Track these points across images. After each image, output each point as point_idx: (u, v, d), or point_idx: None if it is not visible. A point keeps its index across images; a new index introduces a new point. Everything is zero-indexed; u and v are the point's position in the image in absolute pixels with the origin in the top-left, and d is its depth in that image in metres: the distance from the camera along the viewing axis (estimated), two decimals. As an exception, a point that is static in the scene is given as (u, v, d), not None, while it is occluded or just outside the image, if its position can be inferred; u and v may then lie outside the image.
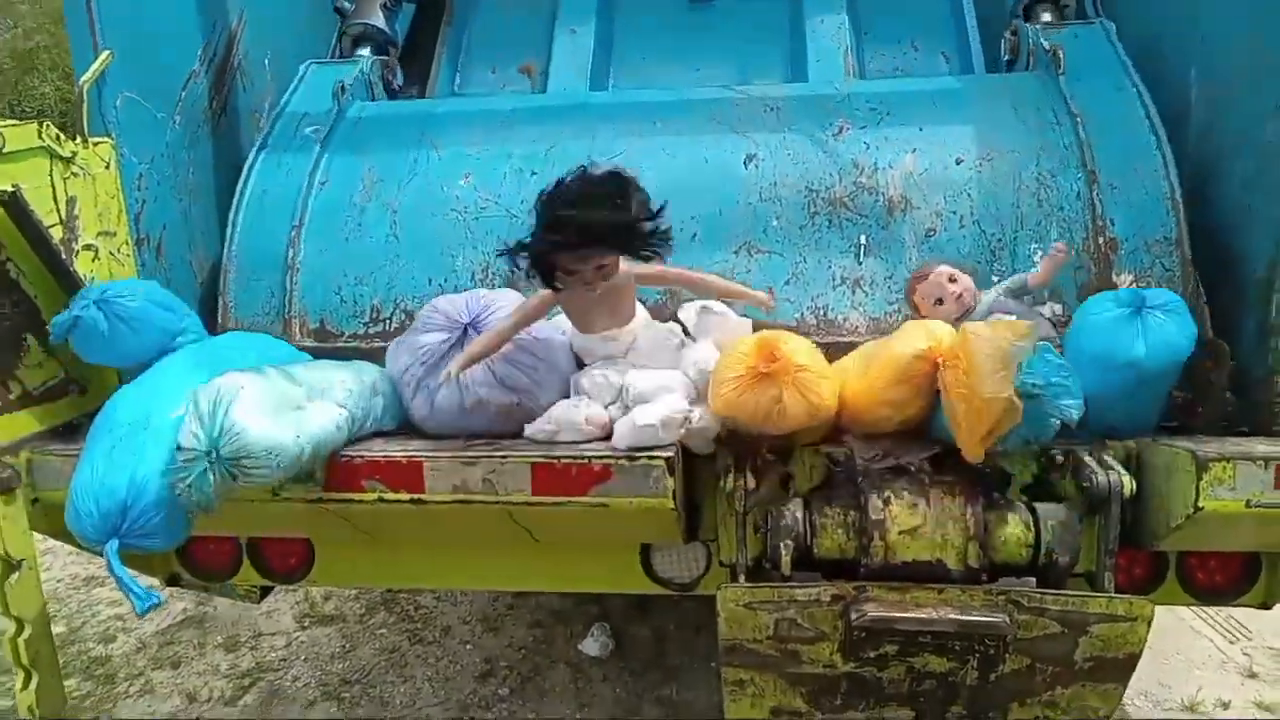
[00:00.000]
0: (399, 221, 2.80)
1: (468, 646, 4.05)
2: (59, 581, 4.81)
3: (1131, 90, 2.72)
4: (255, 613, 4.35)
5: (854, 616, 1.90)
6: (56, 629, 4.34)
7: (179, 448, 1.91)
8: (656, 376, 2.21)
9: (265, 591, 3.06)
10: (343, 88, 3.14)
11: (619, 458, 1.98)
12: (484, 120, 3.03)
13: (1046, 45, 2.88)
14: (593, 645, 3.95)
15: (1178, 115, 2.74)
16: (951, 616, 1.89)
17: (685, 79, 3.46)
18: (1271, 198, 2.32)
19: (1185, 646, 3.89)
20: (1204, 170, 2.63)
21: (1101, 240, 2.45)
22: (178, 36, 2.91)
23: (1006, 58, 3.14)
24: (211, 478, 1.88)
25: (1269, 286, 2.31)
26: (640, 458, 1.98)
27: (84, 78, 2.50)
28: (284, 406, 2.00)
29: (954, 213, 2.50)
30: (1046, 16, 3.22)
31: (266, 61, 3.40)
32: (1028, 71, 3.01)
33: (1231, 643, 3.92)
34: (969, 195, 2.52)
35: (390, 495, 2.07)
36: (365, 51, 3.55)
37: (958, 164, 2.57)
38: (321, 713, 3.65)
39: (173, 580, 2.68)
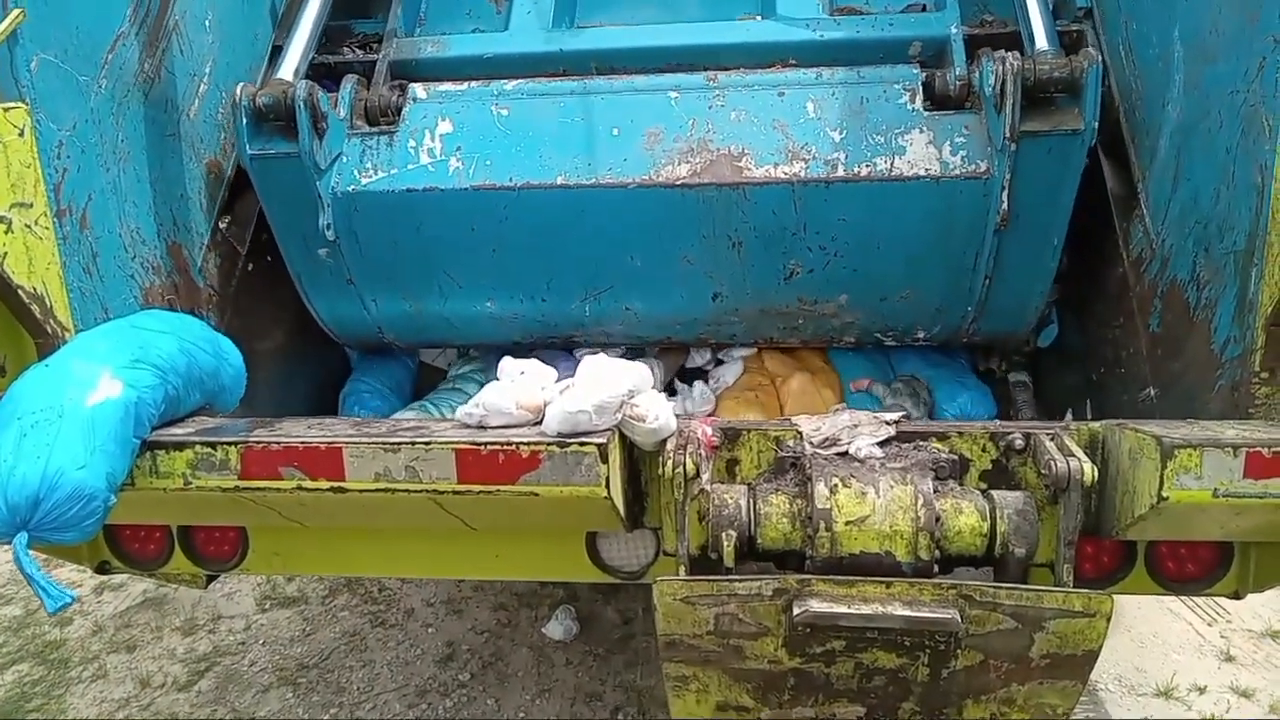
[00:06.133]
0: None
1: (430, 630, 3.97)
2: (18, 562, 4.72)
3: (1053, 246, 2.72)
4: (215, 595, 4.27)
5: (796, 612, 1.80)
6: (12, 612, 4.28)
7: None
8: (608, 362, 2.10)
9: (212, 576, 2.96)
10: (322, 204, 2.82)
11: (548, 444, 1.87)
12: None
13: (1008, 172, 2.53)
14: (556, 628, 3.87)
15: (1161, 76, 2.60)
16: (899, 612, 1.79)
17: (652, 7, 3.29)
18: (1254, 166, 2.19)
19: (1162, 629, 3.82)
20: (1187, 135, 2.50)
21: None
22: None
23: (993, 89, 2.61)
24: None
25: (1249, 259, 2.19)
26: (571, 444, 1.86)
27: (-9, 38, 2.34)
28: None
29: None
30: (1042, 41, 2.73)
31: (208, 23, 3.23)
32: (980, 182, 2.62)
33: (1209, 625, 3.85)
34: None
35: (309, 484, 1.96)
36: None
37: (881, 301, 2.91)
38: (276, 698, 3.57)
39: (102, 568, 2.58)
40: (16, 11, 2.39)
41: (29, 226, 2.43)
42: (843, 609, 1.80)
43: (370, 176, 2.85)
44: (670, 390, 3.39)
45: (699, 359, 3.51)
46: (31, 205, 2.45)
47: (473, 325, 3.13)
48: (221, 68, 3.17)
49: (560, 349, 3.35)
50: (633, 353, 3.39)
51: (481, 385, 3.29)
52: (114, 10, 2.78)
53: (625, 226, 2.80)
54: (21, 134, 2.41)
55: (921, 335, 3.07)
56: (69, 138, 2.57)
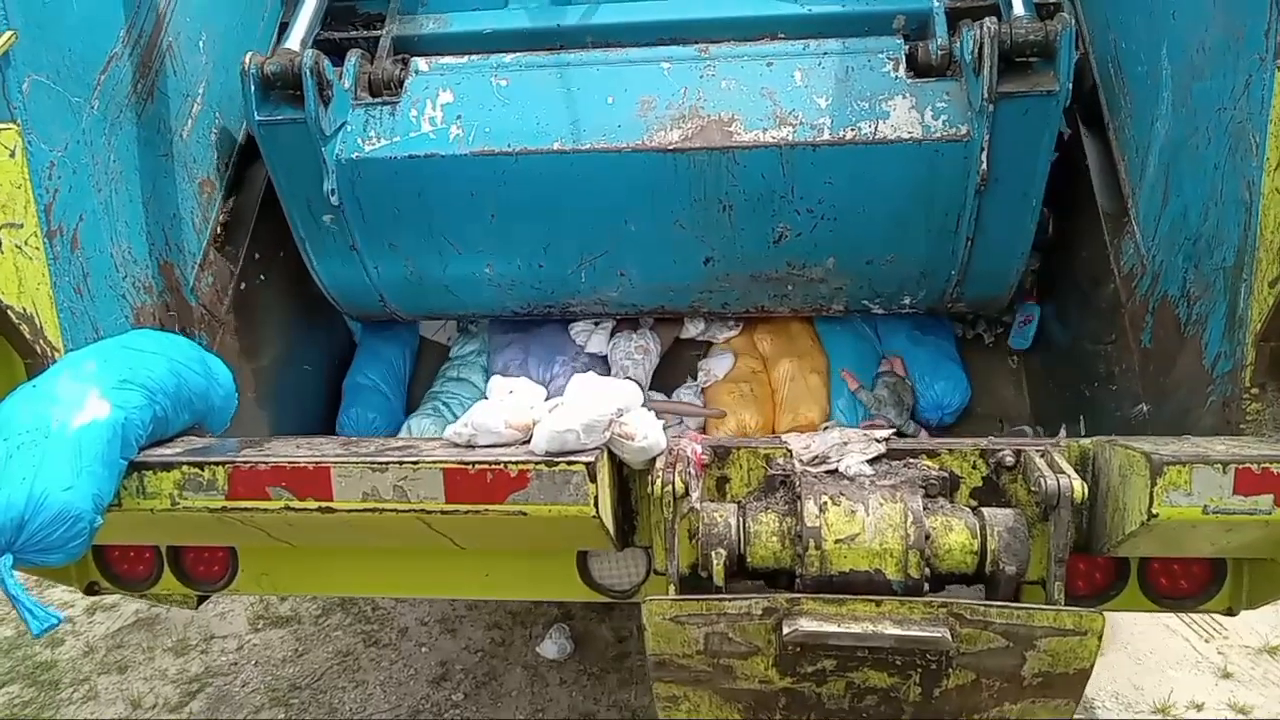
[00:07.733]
0: None
1: (423, 649, 3.95)
2: (10, 582, 4.69)
3: (1031, 207, 2.79)
4: (208, 615, 4.24)
5: (786, 631, 1.79)
6: (4, 633, 4.25)
7: None
8: (597, 381, 2.09)
9: (203, 597, 2.95)
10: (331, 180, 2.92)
11: (536, 463, 1.86)
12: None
13: (987, 134, 2.62)
14: (551, 648, 3.84)
15: (1150, 94, 2.61)
16: (889, 631, 1.77)
17: None
18: (1242, 183, 2.20)
19: (1159, 646, 3.80)
20: (1176, 152, 2.50)
21: None
22: (96, 16, 2.75)
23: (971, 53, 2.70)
24: None
25: (1238, 275, 2.19)
26: (559, 463, 1.85)
27: (-17, 59, 2.34)
28: None
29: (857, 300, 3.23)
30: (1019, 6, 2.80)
31: (201, 43, 3.24)
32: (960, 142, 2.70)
33: (1206, 641, 3.83)
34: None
35: (297, 504, 1.95)
36: None
37: (867, 264, 3.01)
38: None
39: (91, 589, 2.56)
40: (9, 33, 2.39)
41: (19, 247, 2.42)
42: (833, 628, 1.78)
43: (374, 144, 2.93)
44: (666, 390, 3.42)
45: (692, 329, 3.57)
46: (22, 226, 2.44)
47: (473, 292, 3.22)
48: (215, 88, 3.18)
49: (557, 320, 3.43)
50: (628, 322, 3.48)
51: (484, 370, 3.39)
52: (107, 31, 2.79)
53: (619, 190, 2.87)
54: (13, 155, 2.41)
55: (908, 302, 3.16)
56: (61, 158, 2.57)
